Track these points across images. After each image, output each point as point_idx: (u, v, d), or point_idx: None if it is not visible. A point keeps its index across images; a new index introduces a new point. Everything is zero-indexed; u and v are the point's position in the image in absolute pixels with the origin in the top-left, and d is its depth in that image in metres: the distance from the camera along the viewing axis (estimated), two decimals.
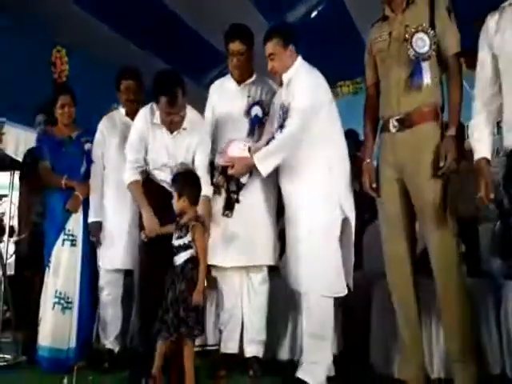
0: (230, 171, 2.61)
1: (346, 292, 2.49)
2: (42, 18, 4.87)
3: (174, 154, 2.74)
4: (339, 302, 2.58)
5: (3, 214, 3.62)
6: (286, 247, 2.65)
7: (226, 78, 3.02)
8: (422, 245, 2.38)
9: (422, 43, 2.22)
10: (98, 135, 3.16)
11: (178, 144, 2.74)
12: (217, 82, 3.08)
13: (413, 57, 2.23)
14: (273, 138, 2.60)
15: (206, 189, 2.65)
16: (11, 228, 3.61)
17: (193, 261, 2.46)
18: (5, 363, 3.04)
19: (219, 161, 2.74)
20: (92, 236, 3.09)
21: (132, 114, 3.10)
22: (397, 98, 2.30)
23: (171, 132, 2.73)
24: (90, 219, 3.08)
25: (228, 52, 2.87)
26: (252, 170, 2.63)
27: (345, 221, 2.54)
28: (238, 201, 2.74)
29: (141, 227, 2.71)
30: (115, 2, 4.91)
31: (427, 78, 2.23)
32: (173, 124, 2.69)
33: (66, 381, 1.50)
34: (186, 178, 2.55)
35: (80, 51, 5.55)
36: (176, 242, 2.49)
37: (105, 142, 3.12)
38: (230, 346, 2.82)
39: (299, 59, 2.62)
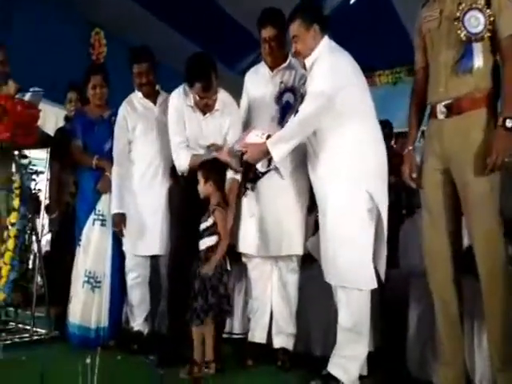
0: (245, 157, 2.54)
1: (376, 285, 2.36)
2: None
3: (206, 135, 2.76)
4: (377, 300, 2.49)
5: (40, 190, 3.71)
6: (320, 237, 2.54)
7: (260, 65, 2.97)
8: (469, 241, 2.23)
9: (475, 22, 2.05)
10: (120, 121, 3.10)
11: (211, 125, 2.76)
12: (252, 69, 3.04)
13: (464, 37, 2.07)
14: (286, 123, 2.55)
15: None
16: (47, 205, 3.68)
17: (217, 247, 2.51)
18: (38, 337, 3.11)
19: (236, 147, 2.68)
20: (115, 227, 3.05)
21: (149, 96, 3.11)
22: (445, 82, 2.15)
23: (204, 114, 2.75)
24: (113, 211, 3.04)
25: (260, 38, 2.81)
26: (271, 159, 2.55)
27: (376, 210, 2.40)
28: (253, 189, 2.73)
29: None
30: None
31: (478, 61, 2.06)
32: (206, 107, 2.71)
33: (88, 360, 1.53)
34: (213, 164, 2.59)
35: (117, 35, 5.60)
36: (201, 226, 2.55)
37: (128, 128, 3.08)
38: (257, 335, 2.79)
39: (324, 40, 2.47)
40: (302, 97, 2.50)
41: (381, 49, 5.78)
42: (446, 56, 2.16)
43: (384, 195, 2.42)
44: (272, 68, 2.86)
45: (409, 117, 2.43)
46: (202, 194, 2.58)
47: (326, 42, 2.48)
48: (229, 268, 2.57)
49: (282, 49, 2.81)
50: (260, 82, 2.89)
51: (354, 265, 2.31)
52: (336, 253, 2.33)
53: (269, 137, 2.50)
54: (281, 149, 2.42)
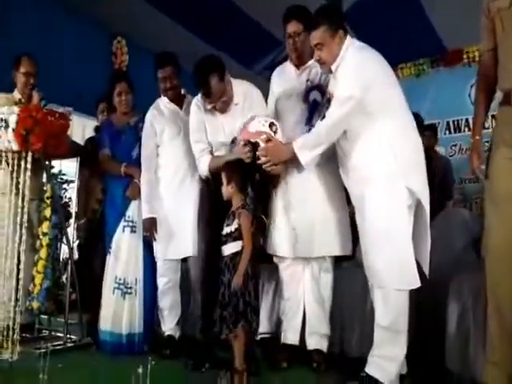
0: (266, 158, 2.49)
1: (419, 284, 2.29)
2: (102, 8, 5.00)
3: (229, 133, 2.74)
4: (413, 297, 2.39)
5: (70, 199, 3.78)
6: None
7: (285, 64, 2.93)
8: None
9: None
10: (147, 127, 3.10)
11: (231, 122, 2.73)
12: (277, 69, 3.00)
13: None
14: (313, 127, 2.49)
15: None
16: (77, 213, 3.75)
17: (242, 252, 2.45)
18: (72, 344, 3.14)
19: (239, 137, 2.65)
20: (146, 232, 3.06)
21: (175, 100, 3.11)
22: None
23: (222, 112, 2.73)
24: (144, 216, 3.04)
25: (285, 34, 2.78)
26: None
27: (417, 204, 2.33)
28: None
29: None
30: None
31: None
32: (219, 108, 2.70)
33: (140, 370, 1.56)
34: (235, 166, 2.55)
35: (141, 43, 5.66)
36: (224, 230, 2.49)
37: (155, 132, 3.08)
38: (290, 337, 2.75)
39: (347, 41, 2.38)
40: (329, 99, 2.44)
41: (403, 41, 5.68)
42: None
43: (425, 187, 2.34)
44: (298, 66, 2.82)
45: (475, 103, 2.30)
46: (225, 195, 2.54)
47: (350, 43, 2.40)
48: (249, 272, 2.45)
49: (307, 45, 2.69)
50: (286, 81, 2.85)
51: (394, 266, 2.25)
52: (376, 254, 2.28)
53: (272, 124, 2.49)
54: (308, 154, 2.40)
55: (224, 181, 2.54)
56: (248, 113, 2.71)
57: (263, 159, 2.51)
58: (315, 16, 2.42)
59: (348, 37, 2.40)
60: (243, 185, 2.53)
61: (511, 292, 2.01)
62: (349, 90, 2.28)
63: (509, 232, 2.01)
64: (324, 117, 2.40)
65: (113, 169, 3.22)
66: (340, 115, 2.31)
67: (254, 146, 2.52)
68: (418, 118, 4.24)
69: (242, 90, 2.74)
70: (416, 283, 2.27)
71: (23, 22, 4.38)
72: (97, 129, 3.85)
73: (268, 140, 2.51)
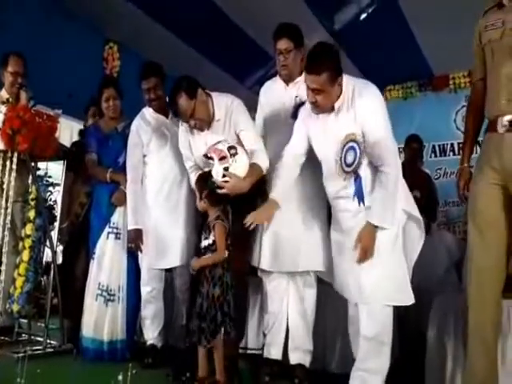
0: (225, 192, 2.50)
1: (413, 301, 2.32)
2: (96, 14, 5.00)
3: None
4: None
5: (55, 202, 3.73)
6: (335, 256, 2.49)
7: (274, 80, 2.95)
8: None
9: None
10: (133, 136, 3.07)
11: (215, 137, 2.69)
12: (266, 83, 3.01)
13: None
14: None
15: (261, 157, 2.61)
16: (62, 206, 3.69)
17: (222, 264, 2.48)
18: (51, 350, 3.09)
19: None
20: (130, 243, 3.02)
21: (160, 111, 3.09)
22: (508, 96, 2.04)
23: (203, 130, 2.73)
24: (130, 226, 3.01)
25: (275, 51, 2.79)
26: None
27: (411, 220, 2.39)
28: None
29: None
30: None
31: None
32: (198, 126, 2.70)
33: (121, 377, 1.54)
34: (204, 182, 2.57)
35: (130, 48, 5.66)
36: (202, 243, 2.53)
37: (142, 142, 3.06)
38: (273, 352, 2.74)
39: (345, 79, 2.34)
40: (357, 143, 2.31)
41: (392, 63, 5.80)
42: (508, 68, 2.06)
43: (415, 207, 2.41)
44: (287, 82, 2.82)
45: (465, 132, 2.37)
46: (200, 209, 2.61)
47: (353, 82, 2.36)
48: (228, 283, 2.49)
49: (298, 62, 2.77)
50: (274, 97, 2.86)
51: (383, 281, 2.27)
52: (365, 272, 2.28)
53: (231, 147, 2.47)
54: (391, 216, 2.29)
55: (197, 195, 2.59)
56: (230, 128, 2.71)
57: (224, 190, 2.50)
58: (317, 59, 2.29)
59: (345, 76, 2.36)
60: (215, 199, 2.54)
61: (492, 310, 2.06)
62: (382, 129, 2.29)
63: (491, 258, 2.07)
64: (358, 165, 2.31)
65: (99, 174, 3.20)
66: (397, 170, 2.30)
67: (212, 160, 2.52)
68: (417, 140, 4.35)
69: (224, 104, 2.72)
70: (407, 300, 2.31)
71: (15, 22, 4.35)
72: (81, 132, 3.81)
73: (223, 157, 2.47)
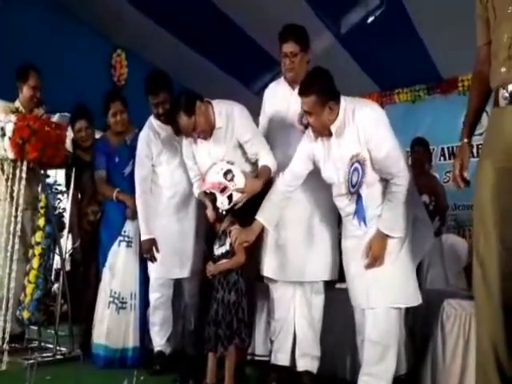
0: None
1: (420, 301, 2.33)
2: (104, 22, 5.05)
3: (216, 156, 2.68)
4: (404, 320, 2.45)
5: (64, 210, 3.76)
6: (345, 263, 2.50)
7: (279, 82, 2.90)
8: None
9: None
10: (143, 147, 3.04)
11: (218, 145, 2.70)
12: (270, 86, 2.97)
13: None
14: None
15: (268, 158, 2.63)
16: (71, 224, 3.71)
17: (237, 270, 2.48)
18: (61, 356, 3.10)
19: (202, 187, 2.67)
20: (145, 253, 2.99)
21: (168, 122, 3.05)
22: (508, 61, 1.71)
23: (205, 139, 2.72)
24: (144, 237, 2.97)
25: (281, 53, 2.75)
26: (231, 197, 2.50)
27: (417, 220, 2.40)
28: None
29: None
30: (171, 5, 4.98)
31: None
32: (201, 138, 2.71)
33: (126, 383, 1.54)
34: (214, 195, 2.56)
35: (138, 54, 5.70)
36: (217, 251, 2.52)
37: (152, 154, 3.04)
38: (280, 358, 2.72)
39: (344, 103, 2.33)
40: (360, 163, 2.32)
41: (400, 67, 5.79)
42: (507, 27, 1.72)
43: (423, 208, 2.44)
44: (292, 84, 2.77)
45: (468, 103, 2.02)
46: (211, 218, 2.60)
47: (350, 104, 2.33)
48: (243, 289, 2.49)
49: (304, 65, 2.73)
50: (279, 101, 2.83)
51: (389, 285, 2.27)
52: (370, 277, 2.29)
53: (227, 172, 2.48)
54: (401, 225, 2.30)
55: (209, 205, 2.59)
56: (232, 134, 2.69)
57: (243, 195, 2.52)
58: (305, 85, 2.32)
59: (343, 99, 2.34)
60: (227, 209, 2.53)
61: (502, 324, 1.73)
62: (387, 140, 2.27)
63: (494, 253, 1.73)
64: (360, 183, 2.31)
65: (106, 192, 3.23)
66: (407, 184, 2.27)
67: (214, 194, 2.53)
68: (423, 143, 4.32)
69: (224, 111, 2.70)
70: (413, 302, 2.31)
71: (24, 29, 4.39)
72: (73, 142, 3.71)
73: (224, 188, 2.49)
